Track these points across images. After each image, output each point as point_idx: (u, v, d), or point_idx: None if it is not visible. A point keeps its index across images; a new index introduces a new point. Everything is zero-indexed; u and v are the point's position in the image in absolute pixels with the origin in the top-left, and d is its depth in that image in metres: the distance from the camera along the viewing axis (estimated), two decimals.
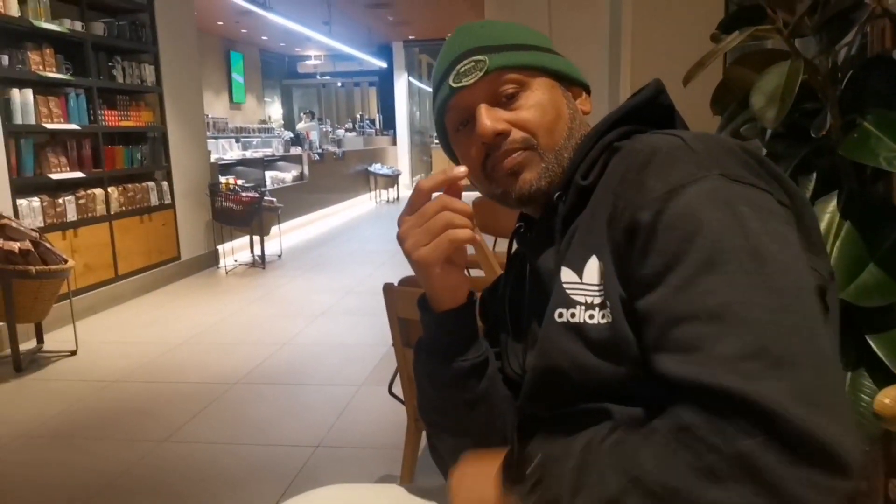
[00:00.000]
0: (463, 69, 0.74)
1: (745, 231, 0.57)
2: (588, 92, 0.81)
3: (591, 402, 0.67)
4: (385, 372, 3.12)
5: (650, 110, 0.75)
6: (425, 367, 0.79)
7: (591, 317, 0.66)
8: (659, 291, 0.59)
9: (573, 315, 0.68)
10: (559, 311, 0.69)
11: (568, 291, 0.69)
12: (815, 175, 1.27)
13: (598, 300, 0.66)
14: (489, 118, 0.73)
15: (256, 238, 5.95)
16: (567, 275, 0.69)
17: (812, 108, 1.37)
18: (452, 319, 0.76)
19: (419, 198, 0.71)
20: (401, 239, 0.72)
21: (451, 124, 0.79)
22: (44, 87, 4.12)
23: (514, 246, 0.87)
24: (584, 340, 0.66)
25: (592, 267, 0.67)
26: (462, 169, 0.73)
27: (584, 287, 0.68)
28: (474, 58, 0.74)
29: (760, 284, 0.55)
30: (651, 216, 0.60)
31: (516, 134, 0.73)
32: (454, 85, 0.75)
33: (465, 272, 0.78)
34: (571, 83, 0.79)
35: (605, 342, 0.65)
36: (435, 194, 0.72)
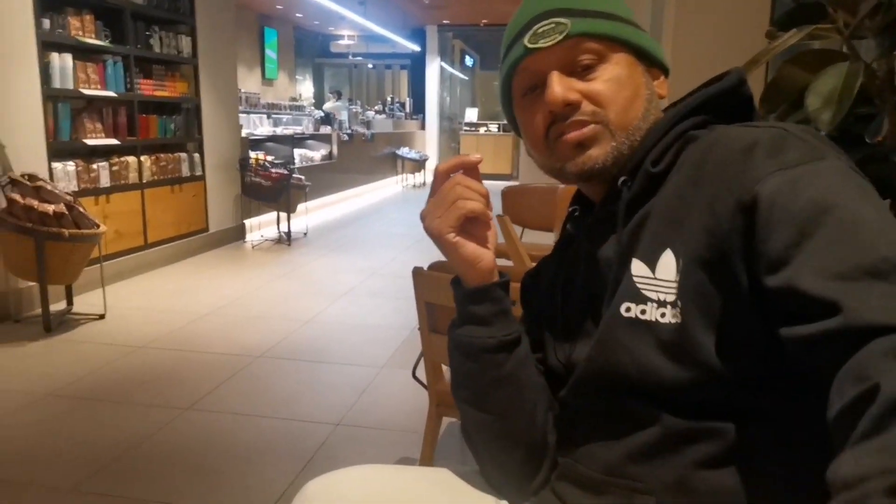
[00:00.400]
0: (542, 29, 0.70)
1: (879, 203, 0.54)
2: (667, 74, 0.76)
3: (642, 404, 0.66)
4: (407, 355, 3.14)
5: (729, 100, 0.70)
6: (454, 342, 0.79)
7: (663, 315, 0.64)
8: (799, 260, 0.52)
9: (643, 311, 0.65)
10: (627, 304, 0.67)
11: (639, 286, 0.66)
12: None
13: (670, 298, 0.63)
14: (561, 86, 0.69)
15: (283, 215, 5.99)
16: (638, 268, 0.67)
17: (867, 112, 1.33)
18: (480, 295, 0.76)
19: (438, 180, 0.74)
20: (422, 217, 0.74)
21: (518, 87, 0.75)
22: (82, 53, 4.17)
23: (567, 229, 0.83)
24: (653, 339, 0.64)
25: (667, 262, 0.64)
26: (476, 156, 0.74)
27: (657, 283, 0.65)
28: (556, 19, 0.70)
29: None
30: (771, 187, 0.56)
31: (587, 106, 0.69)
32: (529, 45, 0.70)
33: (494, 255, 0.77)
34: (652, 63, 0.74)
35: (673, 343, 0.62)
36: (453, 175, 0.73)
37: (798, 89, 1.36)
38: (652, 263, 0.66)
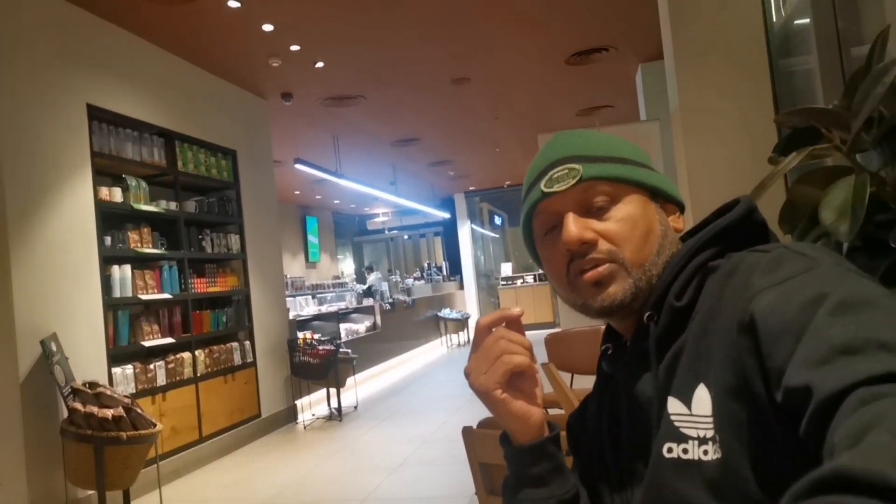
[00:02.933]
0: (556, 175, 0.74)
1: (873, 291, 0.54)
2: (682, 210, 0.79)
3: None
4: None
5: (743, 228, 0.72)
6: None
7: (706, 452, 0.62)
8: (800, 352, 0.52)
9: (685, 451, 0.64)
10: (668, 445, 0.65)
11: (677, 424, 0.65)
12: None
13: (710, 433, 0.62)
14: (576, 226, 0.72)
15: (333, 390, 6.00)
16: (675, 406, 0.66)
17: (886, 219, 1.35)
18: (533, 453, 0.74)
19: (480, 334, 0.74)
20: (466, 374, 0.73)
21: (538, 228, 0.78)
22: (140, 262, 4.51)
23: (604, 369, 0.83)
24: (699, 479, 0.62)
25: (702, 396, 0.64)
26: (517, 310, 0.74)
27: (695, 419, 0.64)
28: (569, 165, 0.74)
29: None
30: (764, 303, 0.57)
31: (603, 245, 0.72)
32: (546, 190, 0.74)
33: (543, 409, 0.77)
34: (666, 200, 0.77)
35: (719, 480, 0.60)
36: (495, 329, 0.73)
37: (812, 206, 1.39)
38: (687, 400, 0.65)
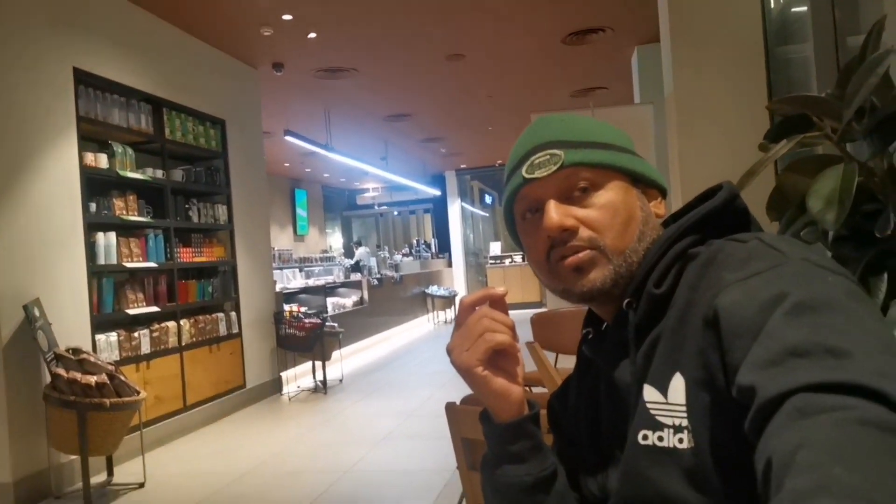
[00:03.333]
0: (537, 161, 0.73)
1: (835, 293, 0.54)
2: (664, 195, 0.79)
3: None
4: (450, 499, 2.99)
5: (724, 215, 0.72)
6: (489, 483, 0.77)
7: (681, 441, 0.63)
8: (753, 352, 0.53)
9: (660, 438, 0.64)
10: (643, 432, 0.66)
11: (653, 412, 0.66)
12: (885, 276, 1.23)
13: (684, 422, 0.63)
14: (557, 212, 0.72)
15: (319, 364, 6.02)
16: (651, 393, 0.66)
17: (873, 209, 1.35)
18: (512, 431, 0.74)
19: (464, 312, 0.73)
20: (448, 350, 0.73)
21: (519, 213, 0.78)
22: (126, 230, 4.47)
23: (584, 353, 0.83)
24: (674, 467, 0.63)
25: (677, 385, 0.64)
26: (501, 289, 0.74)
27: (670, 407, 0.64)
28: (550, 151, 0.73)
29: (860, 322, 0.51)
30: (728, 299, 0.58)
31: (584, 232, 0.72)
32: (527, 176, 0.74)
33: (524, 386, 0.77)
34: (648, 185, 0.77)
35: (693, 470, 0.61)
36: (478, 308, 0.73)
37: (800, 194, 1.40)
38: (663, 388, 0.65)
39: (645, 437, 0.65)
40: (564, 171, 0.72)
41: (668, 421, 0.64)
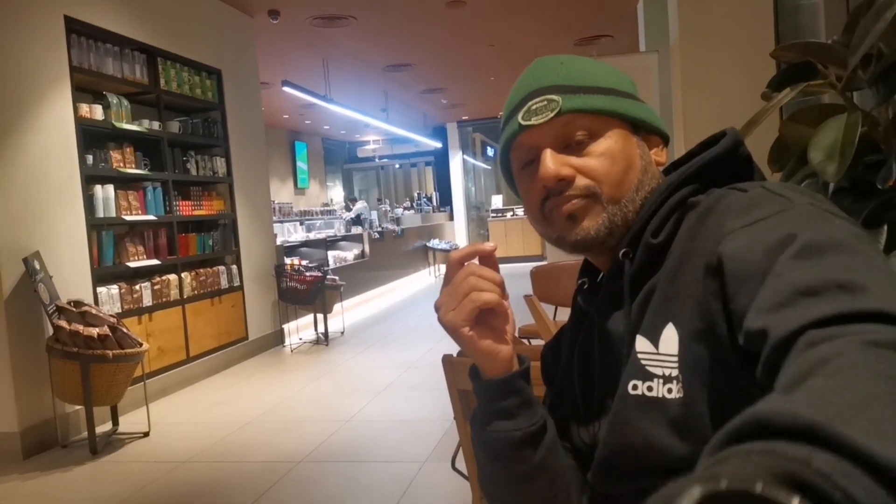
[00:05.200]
0: (534, 107, 0.71)
1: (843, 234, 0.52)
2: (667, 142, 0.77)
3: (660, 485, 0.63)
4: (448, 447, 3.06)
5: (727, 163, 0.70)
6: (479, 439, 0.77)
7: (670, 391, 0.62)
8: (761, 295, 0.50)
9: (650, 388, 0.64)
10: (633, 382, 0.66)
11: (643, 362, 0.65)
12: (885, 228, 1.21)
13: (674, 372, 0.62)
14: (553, 162, 0.70)
15: (320, 316, 6.07)
16: (642, 344, 0.66)
17: (876, 160, 1.33)
18: (501, 387, 0.73)
19: (452, 269, 0.70)
20: (436, 308, 0.71)
21: (515, 161, 0.76)
22: (124, 182, 4.44)
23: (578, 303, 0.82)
24: (662, 417, 0.62)
25: (669, 336, 0.63)
26: (490, 245, 0.71)
27: (661, 358, 0.64)
28: (547, 96, 0.71)
29: (871, 261, 0.49)
30: (732, 246, 0.57)
31: (580, 181, 0.70)
32: (523, 122, 0.71)
33: (523, 339, 0.76)
34: (649, 132, 0.75)
35: (681, 419, 0.61)
36: (467, 264, 0.70)
37: (802, 145, 1.37)
38: (655, 339, 0.65)
39: (634, 388, 0.65)
40: (562, 117, 0.70)
41: (658, 371, 0.64)
